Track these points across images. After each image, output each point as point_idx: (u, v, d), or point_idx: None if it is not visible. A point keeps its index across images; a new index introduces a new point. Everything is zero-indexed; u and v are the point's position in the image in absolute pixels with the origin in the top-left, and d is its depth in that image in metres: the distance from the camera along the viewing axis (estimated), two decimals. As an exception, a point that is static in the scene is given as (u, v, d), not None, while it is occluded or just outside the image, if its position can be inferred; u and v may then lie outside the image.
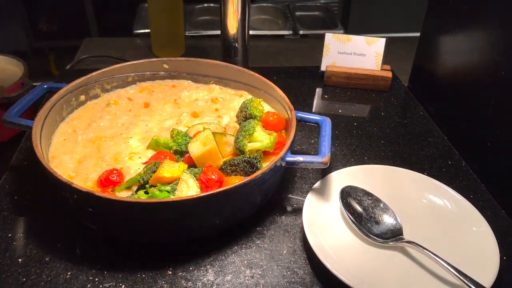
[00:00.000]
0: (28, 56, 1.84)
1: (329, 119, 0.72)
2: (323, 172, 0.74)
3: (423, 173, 0.73)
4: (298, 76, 1.05)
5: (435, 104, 0.94)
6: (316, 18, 1.69)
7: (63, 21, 1.92)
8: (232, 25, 0.92)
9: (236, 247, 0.62)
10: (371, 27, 1.86)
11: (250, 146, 0.65)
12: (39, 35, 1.91)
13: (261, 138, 0.66)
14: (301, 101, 0.96)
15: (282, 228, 0.65)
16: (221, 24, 0.93)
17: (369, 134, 0.86)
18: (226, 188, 0.56)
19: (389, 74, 0.99)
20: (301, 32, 1.50)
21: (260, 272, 0.58)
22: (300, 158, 0.63)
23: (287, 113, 0.72)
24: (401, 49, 1.26)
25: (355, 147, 0.83)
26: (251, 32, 1.56)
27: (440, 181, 0.69)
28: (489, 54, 0.76)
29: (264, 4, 1.68)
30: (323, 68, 1.01)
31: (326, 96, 0.99)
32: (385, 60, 1.00)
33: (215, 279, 0.57)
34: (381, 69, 1.00)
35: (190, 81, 0.87)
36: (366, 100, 0.98)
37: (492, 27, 0.76)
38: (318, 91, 1.01)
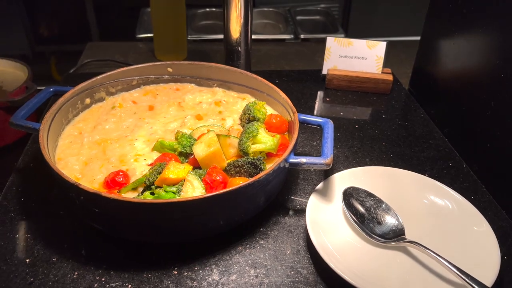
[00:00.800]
0: (29, 61, 1.85)
1: (331, 121, 0.73)
2: (326, 174, 0.75)
3: (425, 175, 0.74)
4: (300, 80, 1.06)
5: (436, 106, 0.95)
6: (317, 22, 1.71)
7: (64, 26, 1.93)
8: (235, 29, 0.93)
9: (240, 247, 0.62)
10: (371, 31, 1.88)
11: (254, 147, 0.66)
12: (40, 40, 1.93)
13: (265, 140, 0.67)
14: (303, 104, 0.97)
15: (286, 228, 0.66)
16: (224, 28, 0.94)
17: (370, 136, 0.87)
18: (231, 188, 0.57)
19: (390, 77, 1.00)
20: (302, 36, 1.52)
21: (264, 272, 0.59)
22: (303, 159, 0.64)
23: (290, 115, 0.74)
24: (401, 53, 1.27)
25: (357, 149, 0.84)
26: (253, 37, 1.57)
27: (441, 182, 0.70)
28: (489, 57, 0.78)
29: (265, 9, 1.69)
30: (324, 71, 1.03)
31: (327, 99, 1.00)
32: (386, 64, 1.01)
33: (220, 279, 0.58)
34: (382, 72, 1.01)
35: (193, 84, 0.88)
36: (367, 103, 0.99)
37: (491, 30, 0.77)
38: (320, 94, 1.02)
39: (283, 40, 1.51)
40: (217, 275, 0.58)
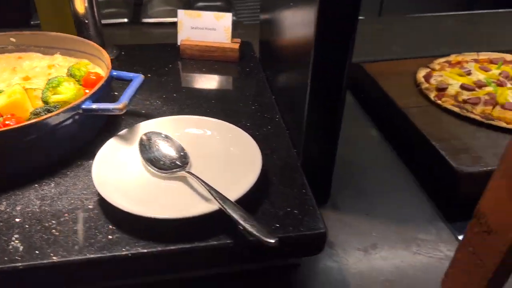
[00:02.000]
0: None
1: (142, 75, 0.80)
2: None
3: (237, 125, 0.81)
4: (160, 51, 1.13)
5: (270, 69, 1.04)
6: (217, 7, 1.79)
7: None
8: (80, 4, 1.00)
9: (36, 185, 0.69)
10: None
11: (55, 98, 0.73)
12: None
13: (65, 91, 0.74)
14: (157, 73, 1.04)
15: (86, 169, 0.73)
16: (71, 3, 1.01)
17: (204, 97, 0.95)
18: (10, 127, 0.63)
19: (236, 46, 1.08)
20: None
21: (49, 202, 0.65)
22: (94, 105, 0.71)
23: (105, 71, 0.81)
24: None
25: (186, 106, 0.91)
26: (148, 21, 1.63)
27: (250, 129, 0.78)
28: (302, 28, 0.86)
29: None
30: (178, 42, 1.10)
31: (181, 68, 1.08)
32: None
33: (6, 209, 0.64)
34: (232, 42, 1.09)
35: (39, 54, 0.94)
36: (216, 70, 1.07)
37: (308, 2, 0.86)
38: (174, 64, 1.09)
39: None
40: (4, 206, 0.65)
